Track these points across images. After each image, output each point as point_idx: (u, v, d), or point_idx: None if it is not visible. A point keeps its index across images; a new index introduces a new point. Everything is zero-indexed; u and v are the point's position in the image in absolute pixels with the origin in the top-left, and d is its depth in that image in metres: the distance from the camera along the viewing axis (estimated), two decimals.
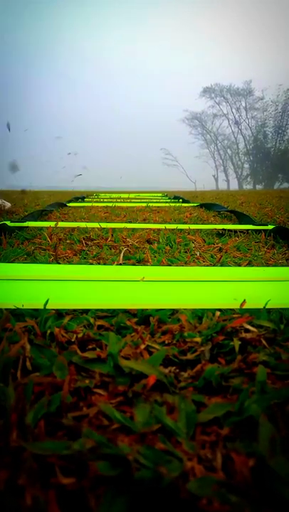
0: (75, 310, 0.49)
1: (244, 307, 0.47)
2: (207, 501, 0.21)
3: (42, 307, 0.45)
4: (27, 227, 1.21)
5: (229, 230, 1.19)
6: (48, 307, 0.45)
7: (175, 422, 0.27)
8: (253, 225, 1.26)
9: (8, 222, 1.18)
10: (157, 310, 0.48)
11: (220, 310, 0.49)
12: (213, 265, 0.76)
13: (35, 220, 1.41)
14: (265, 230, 1.14)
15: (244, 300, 0.48)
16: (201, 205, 2.23)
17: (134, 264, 0.76)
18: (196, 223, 1.44)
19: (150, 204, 2.37)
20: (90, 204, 2.42)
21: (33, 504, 0.19)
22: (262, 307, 0.48)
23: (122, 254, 0.82)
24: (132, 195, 3.84)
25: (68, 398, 0.30)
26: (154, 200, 2.89)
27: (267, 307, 0.47)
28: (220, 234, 1.19)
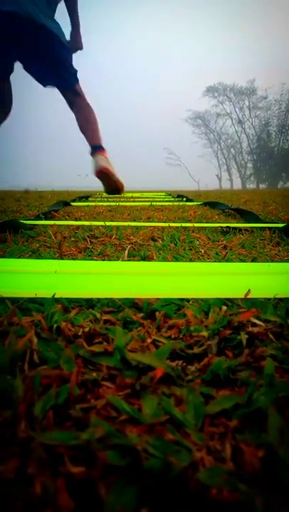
0: (81, 305, 0.49)
1: (249, 296, 0.47)
2: (217, 491, 0.21)
3: (50, 296, 0.45)
4: (35, 225, 1.22)
5: (234, 228, 1.19)
6: (57, 296, 0.46)
7: (183, 414, 0.27)
8: (261, 222, 1.25)
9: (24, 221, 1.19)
10: (163, 305, 0.48)
11: (226, 301, 0.49)
12: (219, 262, 0.76)
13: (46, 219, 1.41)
14: (275, 228, 1.13)
15: (248, 290, 0.48)
16: (205, 204, 2.22)
17: (139, 261, 0.76)
18: (201, 221, 1.44)
19: (154, 203, 2.37)
20: (93, 203, 2.42)
21: (43, 492, 0.19)
22: (268, 298, 0.47)
23: (126, 252, 0.82)
24: (135, 195, 3.83)
25: (76, 390, 0.30)
26: (158, 200, 2.89)
27: (274, 297, 0.47)
28: (224, 232, 1.19)
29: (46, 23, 2.10)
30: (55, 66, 2.29)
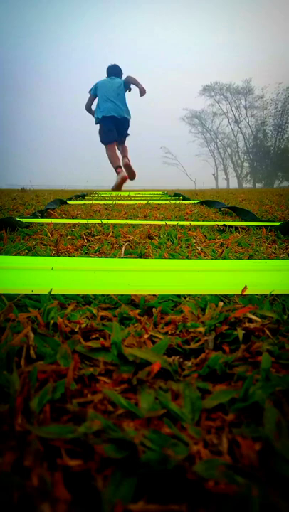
0: (77, 302, 0.49)
1: (245, 293, 0.47)
2: (214, 483, 0.21)
3: (47, 293, 0.45)
4: (31, 223, 1.21)
5: (230, 226, 1.19)
6: (53, 293, 0.46)
7: (180, 408, 0.27)
8: (257, 221, 1.25)
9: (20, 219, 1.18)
10: (160, 302, 0.48)
11: (222, 298, 0.49)
12: (215, 259, 0.76)
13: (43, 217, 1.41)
14: (271, 226, 1.14)
15: (245, 286, 0.48)
16: (202, 202, 2.23)
17: (135, 258, 0.76)
18: (197, 220, 1.44)
19: (150, 202, 2.37)
20: (90, 202, 2.42)
21: (40, 485, 0.19)
22: (264, 294, 0.48)
23: (123, 249, 0.82)
24: (132, 194, 3.83)
25: (73, 385, 0.30)
26: (155, 198, 2.89)
27: (270, 293, 0.48)
28: (221, 230, 1.19)
29: (126, 116, 4.38)
30: (124, 134, 4.50)
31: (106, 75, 4.52)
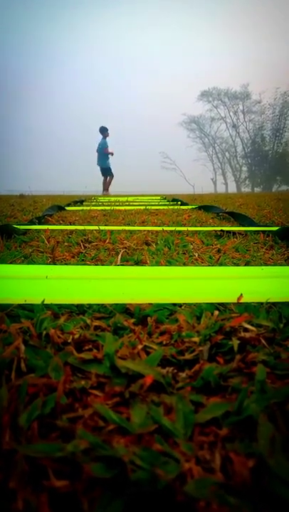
0: (71, 311, 0.48)
1: (241, 301, 0.47)
2: (205, 503, 0.20)
3: (40, 303, 0.44)
4: (28, 230, 1.21)
5: (228, 232, 1.19)
6: (47, 302, 0.45)
7: (172, 423, 0.27)
8: (255, 226, 1.25)
9: (17, 226, 1.18)
10: (155, 311, 0.48)
11: (218, 306, 0.48)
12: (212, 266, 0.76)
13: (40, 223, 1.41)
14: (268, 231, 1.14)
15: (241, 294, 0.47)
16: (200, 207, 2.23)
17: (132, 265, 0.76)
18: (195, 225, 1.44)
19: (148, 207, 2.36)
20: (88, 208, 2.42)
21: (25, 508, 0.19)
22: (260, 302, 0.47)
23: (119, 256, 0.81)
24: (130, 199, 3.84)
25: (63, 399, 0.29)
26: (153, 203, 2.89)
27: (266, 301, 0.47)
28: (218, 235, 1.18)
29: (107, 166, 7.57)
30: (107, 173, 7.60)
31: (99, 131, 7.44)
